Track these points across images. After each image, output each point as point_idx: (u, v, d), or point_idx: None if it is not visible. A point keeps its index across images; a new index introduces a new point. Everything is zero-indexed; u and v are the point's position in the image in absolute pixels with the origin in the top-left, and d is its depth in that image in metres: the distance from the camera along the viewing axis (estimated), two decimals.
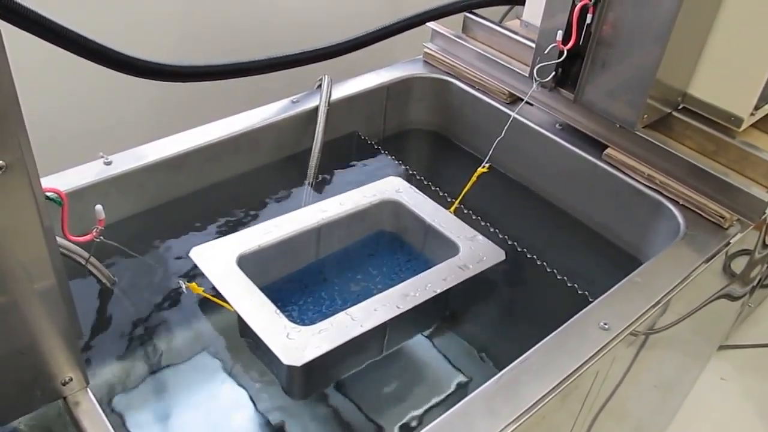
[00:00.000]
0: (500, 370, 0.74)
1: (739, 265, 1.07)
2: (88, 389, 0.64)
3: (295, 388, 0.84)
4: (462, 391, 0.89)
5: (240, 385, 0.86)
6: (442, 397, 0.88)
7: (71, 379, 0.63)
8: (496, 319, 1.02)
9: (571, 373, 0.74)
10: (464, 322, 0.98)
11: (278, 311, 0.79)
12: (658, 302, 0.84)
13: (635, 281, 0.86)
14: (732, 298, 1.19)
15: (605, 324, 0.79)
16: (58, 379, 0.63)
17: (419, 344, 0.95)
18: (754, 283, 1.28)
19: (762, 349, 1.83)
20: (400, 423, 0.85)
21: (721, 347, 1.76)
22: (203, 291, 0.81)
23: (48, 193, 0.60)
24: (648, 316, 0.82)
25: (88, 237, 0.71)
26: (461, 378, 0.91)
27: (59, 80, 1.23)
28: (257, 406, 0.84)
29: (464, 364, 0.93)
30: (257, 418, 0.84)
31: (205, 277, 0.83)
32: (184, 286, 0.80)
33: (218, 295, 0.81)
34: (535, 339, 0.78)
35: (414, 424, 0.85)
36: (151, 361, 0.92)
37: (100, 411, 0.63)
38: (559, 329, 0.78)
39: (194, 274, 0.92)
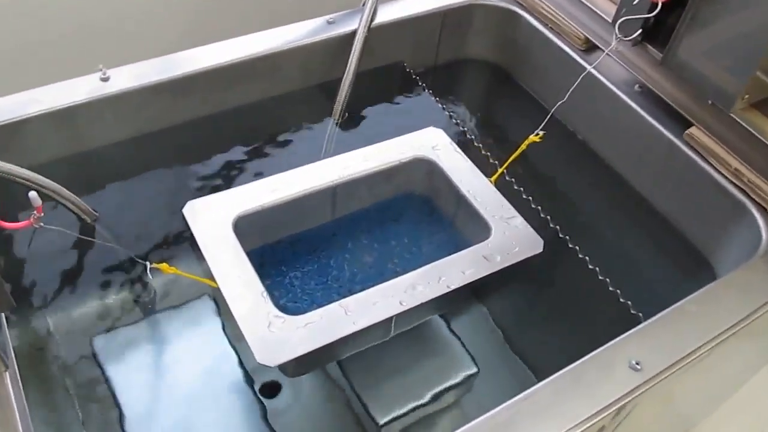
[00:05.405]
0: (501, 361, 0.63)
1: None
2: (6, 373, 0.56)
3: (285, 370, 0.76)
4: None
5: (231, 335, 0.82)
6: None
7: None
8: (514, 312, 0.90)
9: (581, 422, 0.61)
10: (477, 307, 0.87)
11: (265, 293, 0.68)
12: (711, 340, 0.69)
13: (688, 310, 0.71)
14: None
15: (637, 363, 0.65)
16: None
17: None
18: None
19: None
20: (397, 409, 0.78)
21: None
22: (176, 270, 0.71)
23: None
24: (694, 357, 0.68)
25: (24, 223, 0.63)
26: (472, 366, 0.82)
27: None
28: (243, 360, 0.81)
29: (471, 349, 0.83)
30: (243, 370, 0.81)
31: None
32: (149, 269, 0.70)
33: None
34: (550, 349, 0.66)
35: (413, 412, 0.78)
36: (139, 302, 0.86)
37: (14, 400, 0.55)
38: (578, 362, 0.65)
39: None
